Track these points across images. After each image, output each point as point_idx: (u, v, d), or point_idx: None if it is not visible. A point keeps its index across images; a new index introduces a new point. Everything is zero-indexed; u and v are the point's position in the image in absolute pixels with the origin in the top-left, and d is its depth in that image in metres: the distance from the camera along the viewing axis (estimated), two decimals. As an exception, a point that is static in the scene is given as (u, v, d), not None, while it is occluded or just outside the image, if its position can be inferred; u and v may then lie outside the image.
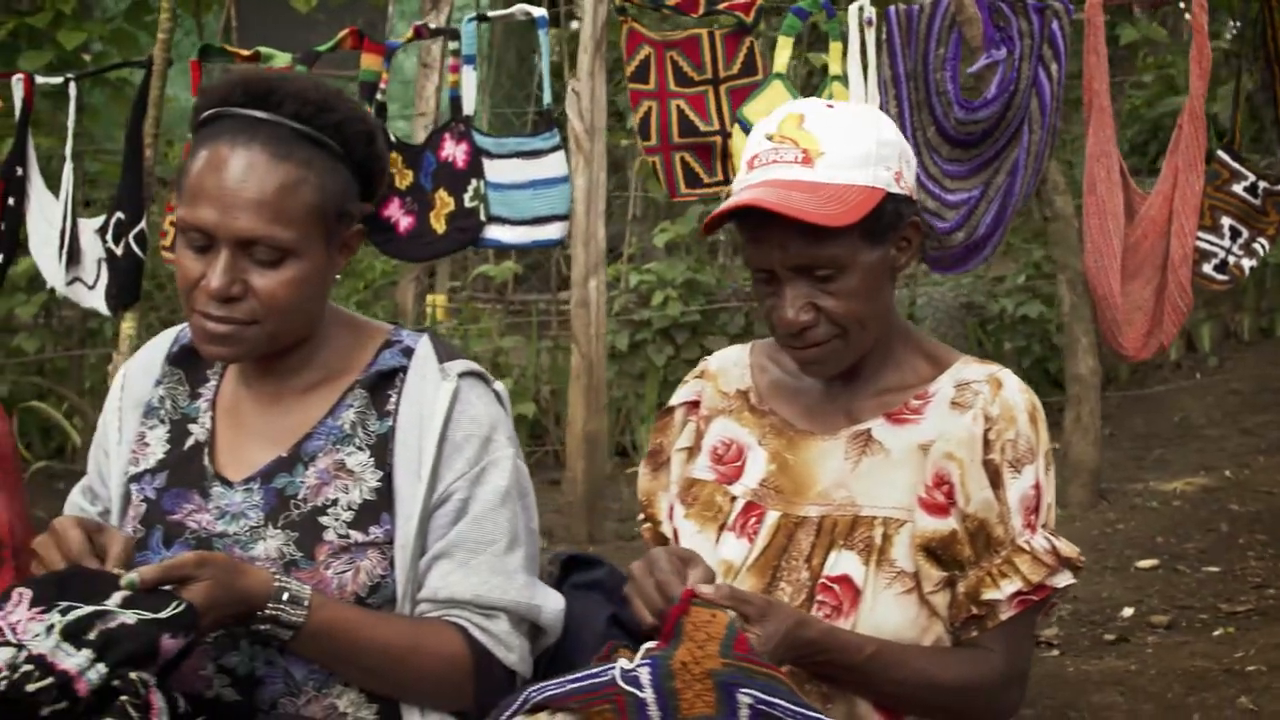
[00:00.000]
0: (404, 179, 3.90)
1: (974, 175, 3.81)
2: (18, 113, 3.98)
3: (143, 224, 3.89)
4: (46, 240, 4.00)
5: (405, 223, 3.87)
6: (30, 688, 1.43)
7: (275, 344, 1.84)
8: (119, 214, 3.91)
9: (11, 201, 3.98)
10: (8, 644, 1.50)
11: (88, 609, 1.54)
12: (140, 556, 1.85)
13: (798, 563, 1.82)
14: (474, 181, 3.84)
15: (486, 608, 1.81)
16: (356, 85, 3.92)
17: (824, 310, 1.78)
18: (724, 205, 1.79)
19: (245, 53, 3.89)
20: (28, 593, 1.56)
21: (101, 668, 1.47)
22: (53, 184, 4.06)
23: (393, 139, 3.88)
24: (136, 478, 1.91)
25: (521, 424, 5.15)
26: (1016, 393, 1.80)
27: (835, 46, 3.83)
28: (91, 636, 1.49)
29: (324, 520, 1.80)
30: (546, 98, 3.90)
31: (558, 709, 1.62)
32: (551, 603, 1.88)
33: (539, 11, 3.86)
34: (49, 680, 1.44)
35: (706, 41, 3.84)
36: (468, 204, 3.84)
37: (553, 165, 3.85)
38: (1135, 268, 3.78)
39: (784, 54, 3.83)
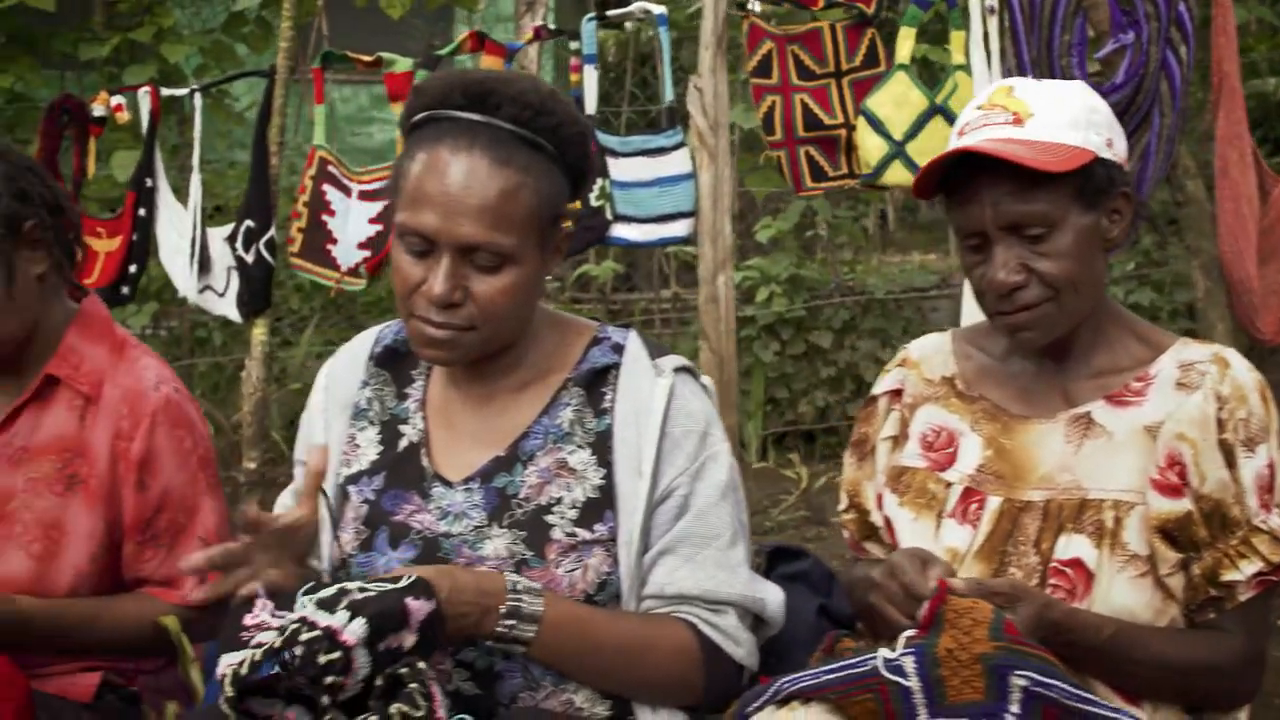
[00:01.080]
0: (528, 180, 3.91)
1: (1101, 161, 3.77)
2: (145, 124, 4.04)
3: (272, 231, 3.94)
4: (177, 250, 4.05)
5: (531, 223, 3.89)
6: (304, 637, 1.47)
7: (490, 348, 1.85)
8: (248, 221, 3.96)
9: (142, 212, 4.04)
10: (270, 629, 1.53)
11: (332, 588, 1.56)
12: (365, 558, 1.86)
13: (1026, 547, 1.81)
14: (599, 180, 3.85)
15: (715, 602, 1.81)
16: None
17: (1035, 271, 1.77)
18: (939, 155, 1.79)
19: (367, 58, 3.92)
20: (269, 603, 1.59)
21: (361, 621, 1.49)
22: (177, 194, 4.11)
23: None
24: (353, 479, 1.93)
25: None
26: (1244, 371, 1.79)
27: (958, 36, 3.80)
28: (342, 607, 1.52)
29: (549, 519, 1.80)
30: (668, 95, 3.91)
31: (811, 699, 1.62)
32: (773, 595, 1.88)
33: (658, 9, 3.86)
34: (318, 633, 1.47)
35: (828, 34, 3.83)
36: (594, 203, 3.85)
37: (677, 162, 3.85)
38: (1270, 251, 3.73)
39: (906, 45, 3.80)
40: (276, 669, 1.49)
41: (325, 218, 3.94)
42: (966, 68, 3.80)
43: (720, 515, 1.83)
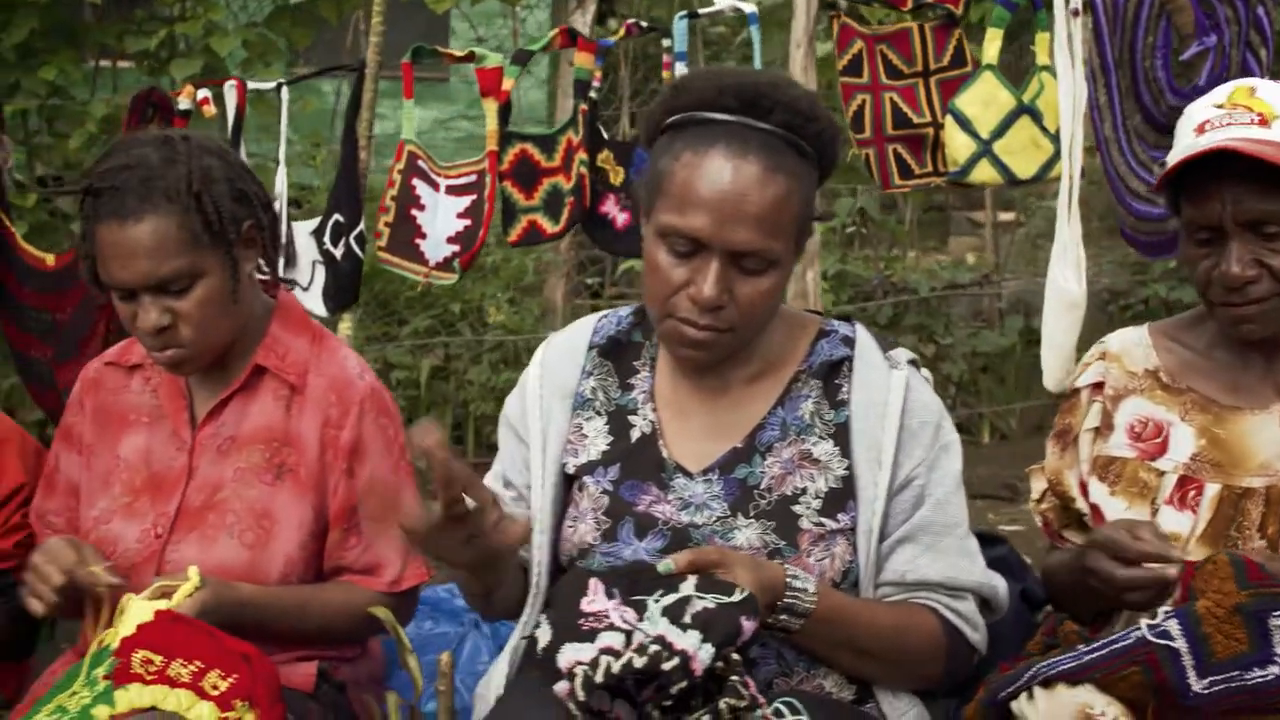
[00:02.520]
0: (616, 176, 3.95)
1: (1181, 161, 3.87)
2: (230, 118, 4.03)
3: (361, 226, 3.95)
4: (261, 243, 4.05)
5: (622, 219, 3.92)
6: (665, 666, 1.50)
7: (741, 347, 1.89)
8: (337, 216, 3.97)
9: (228, 206, 4.03)
10: (615, 629, 1.56)
11: (676, 595, 1.60)
12: (609, 548, 1.90)
13: (1250, 531, 1.88)
14: (690, 177, 3.89)
15: (955, 589, 1.87)
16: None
17: (1268, 267, 1.86)
18: (1187, 153, 1.86)
19: (459, 53, 3.94)
20: (600, 584, 1.63)
21: (709, 648, 1.53)
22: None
23: (604, 135, 3.94)
24: (587, 469, 1.96)
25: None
26: None
27: (1042, 37, 3.87)
28: (687, 619, 1.56)
29: (796, 509, 1.85)
30: (758, 93, 3.95)
31: (1077, 682, 1.67)
32: (1000, 582, 1.94)
33: (749, 7, 3.90)
34: (676, 660, 1.50)
35: (916, 34, 3.89)
36: (685, 199, 3.89)
37: (766, 159, 3.90)
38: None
39: (993, 46, 3.87)
40: (628, 678, 1.52)
41: (414, 212, 3.95)
42: (1051, 68, 3.87)
43: (957, 504, 1.89)
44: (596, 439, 1.97)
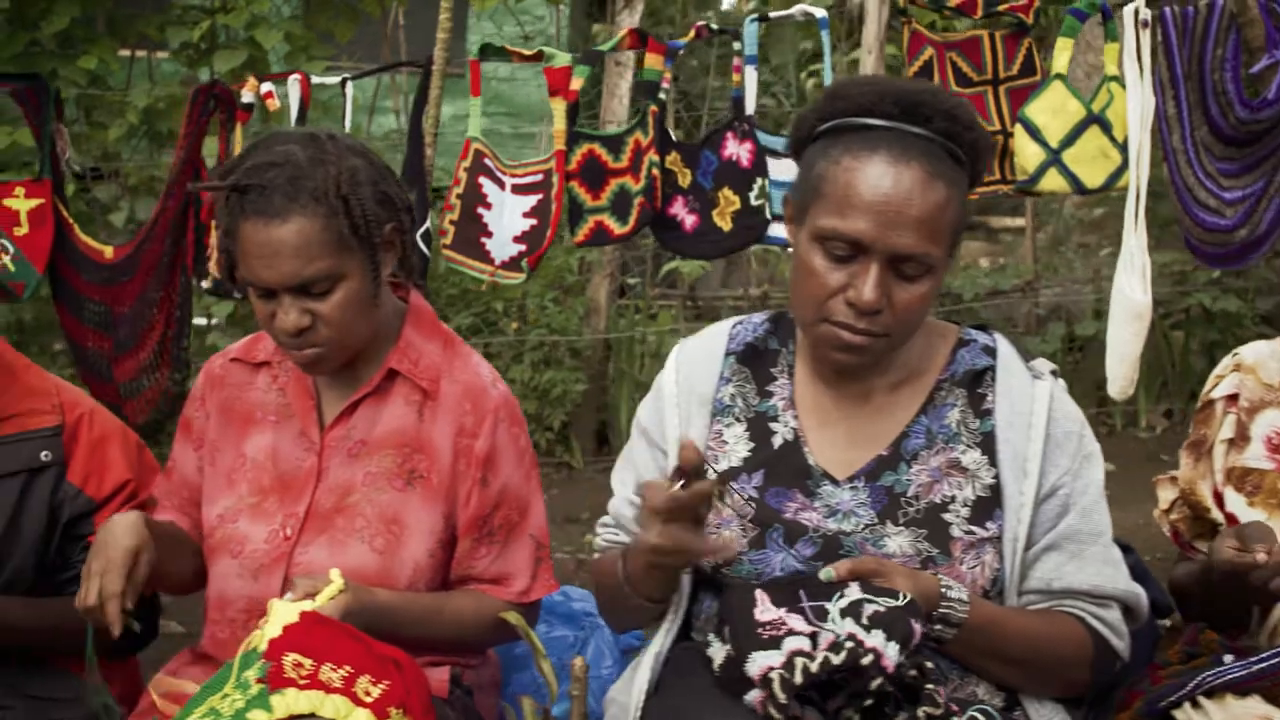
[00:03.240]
0: (685, 178, 3.95)
1: (1247, 173, 3.87)
2: (294, 112, 4.01)
3: (428, 223, 3.93)
4: (324, 239, 4.03)
5: (690, 220, 3.92)
6: (863, 661, 1.50)
7: (891, 353, 1.90)
8: (403, 213, 3.96)
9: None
10: (797, 634, 1.56)
11: (849, 598, 1.60)
12: (759, 555, 1.90)
13: None
14: (759, 180, 3.88)
15: (1101, 597, 1.88)
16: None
17: None
18: None
19: (528, 52, 3.93)
20: (766, 595, 1.63)
21: (895, 646, 1.53)
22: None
23: (672, 137, 3.94)
24: (730, 475, 1.96)
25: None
26: None
27: (1111, 48, 3.88)
28: (865, 620, 1.56)
29: (946, 517, 1.85)
30: (828, 97, 3.96)
31: (1245, 692, 1.68)
32: (1142, 590, 1.94)
33: (820, 12, 3.90)
34: (870, 657, 1.50)
35: (987, 42, 3.90)
36: (753, 202, 3.89)
37: (835, 164, 3.90)
38: None
39: (1063, 56, 3.88)
40: (818, 682, 1.52)
41: (480, 210, 3.94)
42: (1120, 79, 3.89)
43: (1101, 513, 1.89)
44: (737, 445, 1.97)
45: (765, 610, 1.62)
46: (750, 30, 3.89)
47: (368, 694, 1.77)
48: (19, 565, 2.23)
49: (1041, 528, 1.87)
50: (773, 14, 3.99)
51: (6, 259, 3.97)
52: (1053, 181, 3.84)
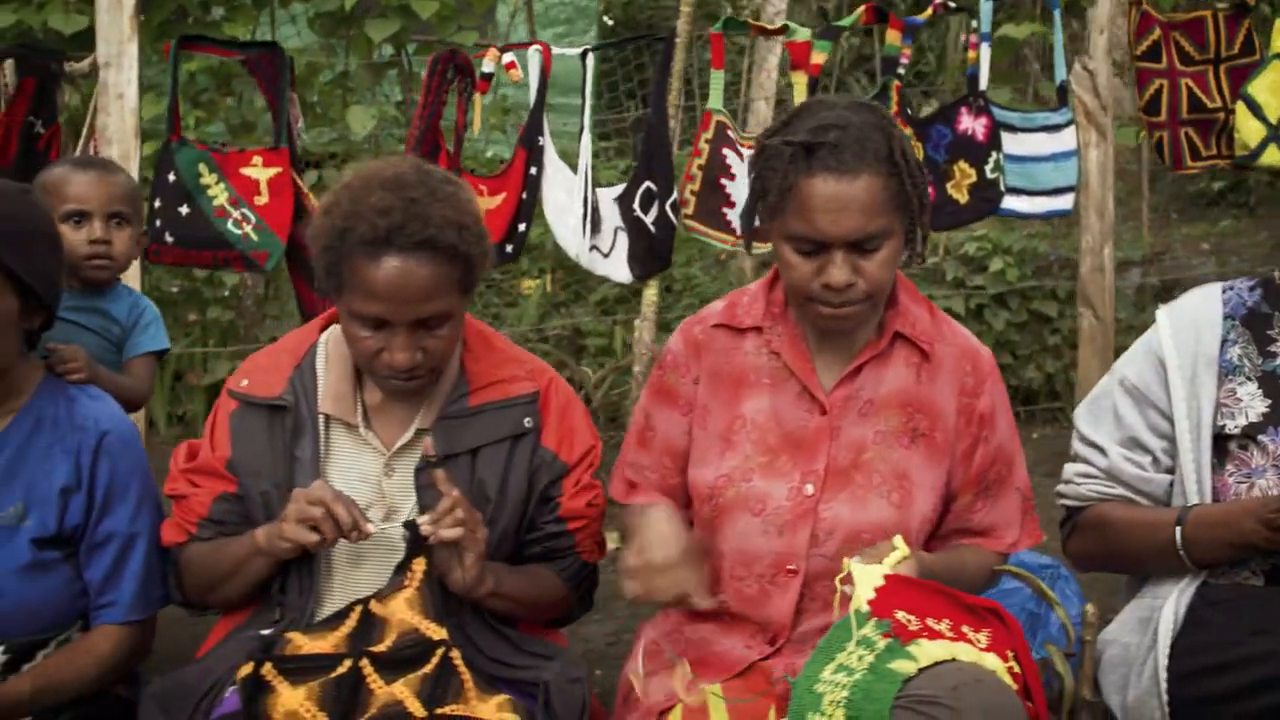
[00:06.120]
0: (917, 151, 4.08)
1: None
2: (534, 82, 4.07)
3: (675, 194, 4.02)
4: (564, 209, 4.11)
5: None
6: None
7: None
8: (648, 183, 4.04)
9: (533, 170, 4.08)
10: None
11: None
12: None
13: None
14: (994, 154, 4.03)
15: None
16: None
17: None
18: None
19: (771, 27, 4.03)
20: None
21: None
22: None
23: (909, 112, 4.07)
24: (1256, 429, 2.11)
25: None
26: None
27: (1325, 27, 4.08)
28: None
29: None
30: (1060, 74, 4.11)
31: None
32: None
33: (1052, -9, 4.05)
34: None
35: (1210, 23, 4.08)
36: (989, 175, 4.03)
37: (1068, 139, 4.07)
38: None
39: (1281, 35, 4.07)
40: None
41: (724, 181, 4.05)
42: (1332, 59, 4.08)
43: None
44: (1253, 401, 2.12)
45: None
46: (986, 8, 4.03)
47: (977, 641, 1.88)
48: (505, 528, 2.29)
49: None
50: (1003, -6, 4.11)
51: (249, 228, 3.98)
52: (1273, 156, 4.03)
